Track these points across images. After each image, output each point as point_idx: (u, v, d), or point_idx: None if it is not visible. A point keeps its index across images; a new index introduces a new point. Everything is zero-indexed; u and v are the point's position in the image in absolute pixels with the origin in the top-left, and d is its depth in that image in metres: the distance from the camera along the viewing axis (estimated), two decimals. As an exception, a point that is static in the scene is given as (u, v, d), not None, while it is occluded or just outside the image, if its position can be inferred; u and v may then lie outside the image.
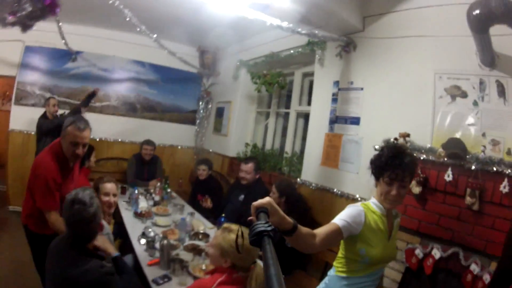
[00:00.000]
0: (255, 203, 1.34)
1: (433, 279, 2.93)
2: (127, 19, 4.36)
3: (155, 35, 5.08)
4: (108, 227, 3.10)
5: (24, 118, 6.44)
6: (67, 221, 2.37)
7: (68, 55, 6.59)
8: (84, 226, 2.33)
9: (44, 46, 6.52)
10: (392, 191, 1.99)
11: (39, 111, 5.99)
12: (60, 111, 6.05)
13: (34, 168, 3.08)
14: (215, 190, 5.55)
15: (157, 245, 3.29)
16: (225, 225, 2.50)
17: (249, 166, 4.79)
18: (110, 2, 3.92)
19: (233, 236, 2.26)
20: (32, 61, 6.55)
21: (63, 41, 5.71)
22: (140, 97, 7.45)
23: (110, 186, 3.45)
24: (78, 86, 6.90)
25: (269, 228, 0.98)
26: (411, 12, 3.52)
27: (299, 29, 3.78)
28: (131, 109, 7.35)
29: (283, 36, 4.94)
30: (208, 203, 5.06)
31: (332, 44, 4.34)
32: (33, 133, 6.12)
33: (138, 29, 4.67)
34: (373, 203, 2.11)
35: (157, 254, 3.20)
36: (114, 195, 3.49)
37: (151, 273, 2.93)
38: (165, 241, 3.04)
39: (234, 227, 2.45)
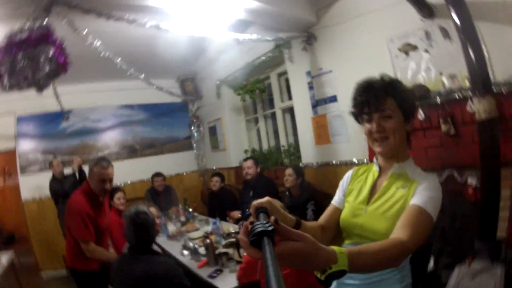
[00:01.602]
0: (255, 203, 1.27)
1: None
2: (118, 66, 4.58)
3: (143, 75, 5.31)
4: None
5: (34, 186, 6.58)
6: (135, 230, 2.74)
7: (60, 115, 6.74)
8: (150, 229, 2.77)
9: (35, 113, 6.74)
10: (373, 126, 1.58)
11: (47, 175, 6.13)
12: (66, 170, 6.09)
13: (68, 207, 3.39)
14: (229, 198, 6.01)
15: (200, 250, 3.74)
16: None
17: (249, 162, 5.30)
18: (102, 55, 4.17)
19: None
20: (28, 130, 6.75)
21: (58, 102, 5.82)
22: (137, 137, 7.78)
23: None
24: (78, 142, 7.21)
25: (269, 228, 0.92)
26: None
27: (267, 38, 4.36)
28: (131, 150, 7.68)
29: (252, 46, 5.45)
30: (236, 215, 5.35)
31: (296, 42, 4.90)
32: (45, 197, 6.30)
33: (128, 73, 4.90)
34: (375, 159, 1.77)
35: (202, 258, 3.61)
36: None
37: (203, 272, 3.32)
38: (208, 240, 3.50)
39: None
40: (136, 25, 3.59)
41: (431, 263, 3.09)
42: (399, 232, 1.31)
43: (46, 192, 5.96)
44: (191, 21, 3.96)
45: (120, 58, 4.52)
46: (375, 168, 1.74)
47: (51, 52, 3.26)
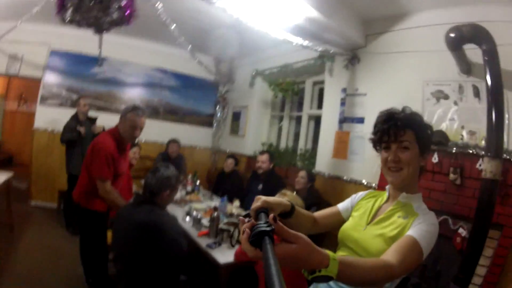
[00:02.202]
0: (254, 207, 1.27)
1: None
2: (171, 32, 4.76)
3: (190, 46, 5.48)
4: None
5: (49, 118, 6.71)
6: (149, 180, 2.86)
7: (94, 60, 6.97)
8: (167, 185, 2.89)
9: (70, 50, 6.83)
10: (390, 155, 1.63)
11: (66, 112, 6.23)
12: (91, 112, 6.18)
13: (93, 145, 3.44)
14: (237, 182, 6.21)
15: (203, 221, 3.94)
16: (283, 190, 2.95)
17: (264, 156, 5.49)
18: (164, 19, 4.32)
19: (286, 198, 2.69)
20: (58, 64, 6.84)
21: (99, 48, 6.09)
22: (162, 101, 8.04)
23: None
24: (105, 89, 7.35)
25: (269, 228, 0.94)
26: (404, 31, 4.36)
27: (317, 47, 4.61)
28: (154, 112, 7.87)
29: (296, 49, 5.57)
30: (237, 204, 5.30)
31: (339, 57, 5.16)
32: (57, 131, 6.18)
33: (178, 42, 5.07)
34: (387, 187, 1.79)
35: (203, 228, 3.82)
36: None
37: (202, 241, 3.50)
38: (215, 213, 3.71)
39: (289, 193, 2.92)
40: (206, 2, 3.69)
41: None
42: (390, 256, 1.34)
43: (60, 127, 5.93)
44: (253, 11, 4.10)
45: (174, 25, 4.68)
46: (385, 194, 1.79)
47: (123, 2, 3.41)
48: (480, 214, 2.96)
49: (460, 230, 3.35)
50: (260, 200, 1.31)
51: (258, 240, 0.93)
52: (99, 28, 3.66)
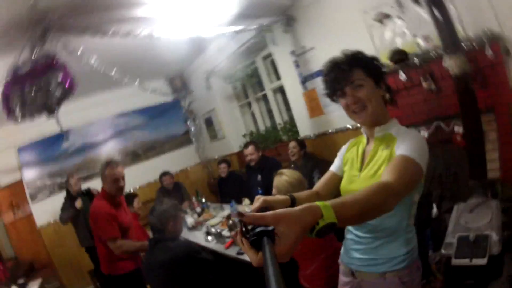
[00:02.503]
0: (253, 208, 1.27)
1: (433, 154, 3.56)
2: (114, 77, 4.76)
3: (137, 81, 5.51)
4: None
5: (47, 211, 6.58)
6: (152, 222, 3.02)
7: (60, 137, 6.84)
8: (166, 218, 2.99)
9: (34, 140, 6.75)
10: (348, 99, 1.62)
11: (58, 197, 6.17)
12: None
13: (91, 214, 3.54)
14: (239, 181, 6.20)
15: (223, 233, 3.96)
16: (279, 171, 2.91)
17: (250, 148, 5.40)
18: (102, 70, 4.39)
19: (285, 177, 2.79)
20: (30, 158, 6.75)
21: (58, 124, 5.82)
22: (137, 142, 7.93)
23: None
24: (82, 159, 7.25)
25: (268, 228, 0.92)
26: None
27: (250, 26, 4.63)
28: (135, 156, 7.82)
29: (233, 36, 5.49)
30: (247, 202, 5.32)
31: (276, 25, 5.13)
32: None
33: (124, 82, 5.11)
34: (362, 130, 1.83)
35: (227, 240, 3.82)
36: None
37: (231, 252, 3.54)
38: (231, 221, 3.76)
39: (285, 171, 2.90)
40: (131, 38, 3.76)
41: (435, 209, 3.35)
42: (384, 176, 1.34)
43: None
44: (179, 24, 4.14)
45: (114, 69, 4.69)
46: (364, 138, 1.81)
47: (59, 77, 3.42)
48: (465, 109, 3.02)
49: (456, 129, 3.37)
50: (259, 200, 1.30)
51: (257, 241, 0.92)
52: (50, 110, 3.66)
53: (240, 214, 0.97)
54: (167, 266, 2.77)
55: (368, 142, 1.78)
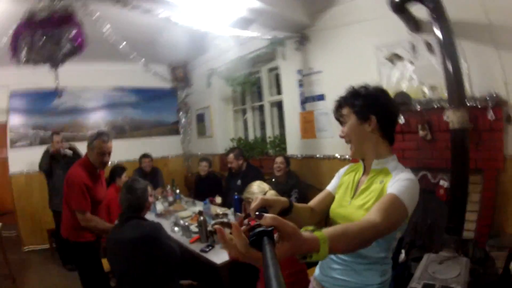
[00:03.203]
0: (253, 207, 1.29)
1: None
2: (122, 50, 4.74)
3: (142, 60, 5.47)
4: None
5: (23, 160, 6.57)
6: (126, 195, 2.95)
7: (53, 93, 6.38)
8: (140, 195, 2.98)
9: (28, 89, 6.71)
10: (340, 132, 1.79)
11: (37, 150, 6.09)
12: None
13: (67, 179, 3.46)
14: (216, 183, 6.24)
15: (191, 227, 3.96)
16: (246, 189, 3.06)
17: (231, 155, 5.53)
18: (112, 40, 4.34)
19: (253, 187, 2.93)
20: (20, 105, 6.75)
21: (56, 80, 5.89)
22: (126, 119, 7.93)
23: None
24: (68, 119, 7.25)
25: (268, 228, 0.92)
26: (348, 3, 4.40)
27: (265, 35, 4.65)
28: (120, 131, 7.76)
29: (246, 41, 5.69)
30: (218, 201, 5.54)
31: (289, 40, 5.21)
32: (34, 171, 6.24)
33: (131, 57, 5.02)
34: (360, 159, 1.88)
35: (193, 235, 3.83)
36: None
37: (195, 247, 3.54)
38: (201, 218, 3.74)
39: (256, 184, 3.04)
40: (150, 15, 3.74)
41: (403, 255, 3.41)
42: (373, 214, 1.36)
43: (35, 167, 5.91)
44: (196, 14, 4.14)
45: (124, 43, 4.67)
46: (361, 166, 1.84)
47: (73, 33, 3.43)
48: (456, 164, 3.05)
49: (441, 182, 3.45)
50: (259, 199, 1.32)
51: (257, 241, 0.91)
52: (55, 63, 3.71)
53: (259, 216, 0.97)
54: (135, 242, 2.74)
55: (364, 172, 1.81)
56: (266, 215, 0.96)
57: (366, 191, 1.70)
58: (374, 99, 1.70)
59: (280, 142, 6.12)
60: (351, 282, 1.70)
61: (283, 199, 1.52)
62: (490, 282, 2.82)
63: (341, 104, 1.76)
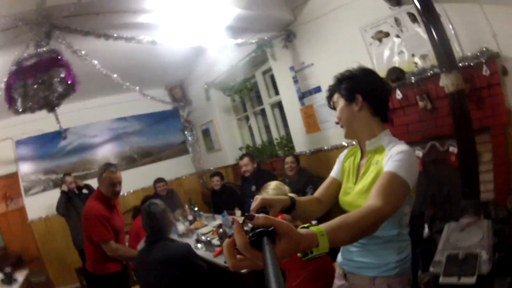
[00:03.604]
0: (253, 207, 1.30)
1: (427, 174, 3.61)
2: (115, 81, 4.78)
3: (137, 88, 5.54)
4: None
5: (39, 206, 6.65)
6: (148, 219, 3.00)
7: (57, 135, 6.83)
8: (161, 217, 3.02)
9: (32, 136, 6.80)
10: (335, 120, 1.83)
11: (52, 193, 6.34)
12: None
13: (84, 214, 3.54)
14: (231, 194, 6.21)
15: (213, 241, 3.96)
16: (263, 186, 2.97)
17: (245, 159, 5.52)
18: (104, 73, 4.42)
19: (270, 187, 2.88)
20: (27, 152, 6.82)
21: (57, 121, 5.89)
22: (134, 148, 8.00)
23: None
24: (77, 158, 7.32)
25: (269, 229, 0.91)
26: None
27: (251, 40, 4.67)
28: (130, 161, 7.87)
29: (234, 49, 5.64)
30: (238, 214, 5.44)
31: (276, 40, 5.23)
32: (52, 215, 6.33)
33: (125, 87, 5.13)
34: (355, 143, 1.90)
35: (216, 248, 3.82)
36: None
37: (220, 260, 3.53)
38: (221, 230, 3.78)
39: (267, 183, 2.97)
40: (134, 42, 3.82)
41: (426, 229, 3.35)
42: (373, 199, 1.35)
43: (53, 210, 5.98)
44: (181, 32, 4.20)
45: (116, 74, 4.72)
46: (358, 149, 1.86)
47: (62, 74, 3.46)
48: (459, 128, 3.04)
49: (451, 149, 3.40)
50: (258, 199, 1.31)
51: (257, 241, 0.90)
52: (51, 106, 3.68)
53: (251, 217, 0.94)
54: (164, 264, 2.79)
55: (362, 155, 1.82)
56: (258, 215, 0.94)
57: (365, 174, 1.71)
58: (357, 79, 1.73)
59: (287, 141, 6.13)
60: (368, 263, 1.71)
61: (284, 197, 1.49)
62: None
63: (331, 92, 1.82)
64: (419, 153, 3.62)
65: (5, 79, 3.49)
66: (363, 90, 1.70)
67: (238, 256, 0.93)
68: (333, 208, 1.89)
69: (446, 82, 2.95)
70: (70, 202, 5.77)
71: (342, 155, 1.98)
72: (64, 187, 5.78)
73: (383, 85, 1.80)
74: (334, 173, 1.95)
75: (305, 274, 2.71)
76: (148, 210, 3.02)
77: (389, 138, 1.70)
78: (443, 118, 3.43)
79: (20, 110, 3.56)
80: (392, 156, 1.53)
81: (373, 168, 1.66)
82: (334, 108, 1.83)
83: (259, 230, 0.91)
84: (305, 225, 1.05)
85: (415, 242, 3.02)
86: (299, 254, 1.01)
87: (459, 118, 3.01)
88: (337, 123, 1.80)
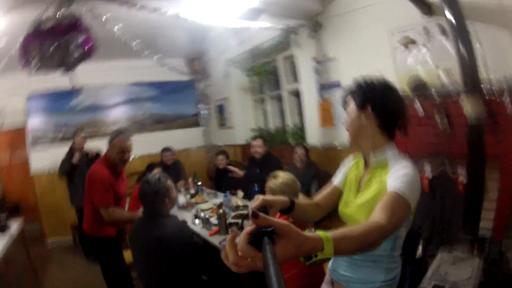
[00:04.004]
0: (253, 207, 1.31)
1: (433, 194, 3.55)
2: (134, 48, 4.83)
3: (156, 56, 5.51)
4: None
5: (43, 160, 6.77)
6: (141, 201, 2.97)
7: (70, 93, 7.00)
8: (163, 194, 2.96)
9: (45, 91, 6.87)
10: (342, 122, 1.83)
11: (57, 149, 6.43)
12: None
13: (89, 176, 3.54)
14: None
15: (211, 220, 3.97)
16: (273, 173, 2.98)
17: (259, 141, 5.47)
18: (123, 39, 4.43)
19: (280, 179, 2.88)
20: (38, 107, 6.91)
21: (72, 80, 5.92)
22: (146, 113, 8.02)
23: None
24: (88, 118, 7.39)
25: (268, 229, 0.91)
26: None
27: (277, 25, 4.64)
28: (141, 126, 7.87)
29: (260, 30, 5.57)
30: (240, 195, 5.45)
31: (302, 29, 5.14)
32: (55, 170, 6.17)
33: (144, 54, 5.14)
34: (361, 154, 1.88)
35: (213, 227, 3.85)
36: None
37: (215, 240, 3.56)
38: (221, 210, 3.76)
39: (281, 173, 2.98)
40: (158, 14, 3.77)
41: (420, 250, 3.37)
42: (377, 216, 1.34)
43: (57, 165, 6.00)
44: (205, 9, 4.16)
45: (136, 41, 4.74)
46: (361, 159, 1.85)
47: (80, 40, 3.47)
48: (472, 158, 3.00)
49: (461, 178, 3.30)
50: (259, 199, 1.34)
51: (257, 241, 0.90)
52: (66, 70, 3.74)
53: (255, 215, 0.93)
54: (158, 240, 2.77)
55: (366, 166, 1.80)
56: (261, 214, 0.94)
57: (366, 189, 1.69)
58: (372, 88, 1.72)
59: (300, 131, 6.08)
60: (355, 278, 1.72)
61: (284, 198, 1.54)
62: (504, 282, 2.81)
63: (347, 92, 1.79)
64: (428, 167, 3.57)
65: (22, 39, 3.48)
66: (375, 102, 1.69)
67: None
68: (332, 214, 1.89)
69: (466, 103, 2.89)
70: (75, 169, 5.81)
71: (347, 164, 1.97)
72: (75, 159, 5.79)
73: (399, 103, 1.75)
74: (337, 181, 1.94)
75: (298, 269, 2.74)
76: (141, 188, 2.99)
77: (393, 153, 1.68)
78: (458, 136, 3.32)
79: (33, 71, 3.62)
80: (397, 175, 1.52)
81: (376, 185, 1.64)
82: (345, 108, 1.81)
83: (258, 230, 0.92)
84: (312, 230, 1.09)
85: (407, 260, 3.04)
86: (301, 259, 1.01)
87: (474, 151, 2.95)
88: (346, 128, 1.78)
